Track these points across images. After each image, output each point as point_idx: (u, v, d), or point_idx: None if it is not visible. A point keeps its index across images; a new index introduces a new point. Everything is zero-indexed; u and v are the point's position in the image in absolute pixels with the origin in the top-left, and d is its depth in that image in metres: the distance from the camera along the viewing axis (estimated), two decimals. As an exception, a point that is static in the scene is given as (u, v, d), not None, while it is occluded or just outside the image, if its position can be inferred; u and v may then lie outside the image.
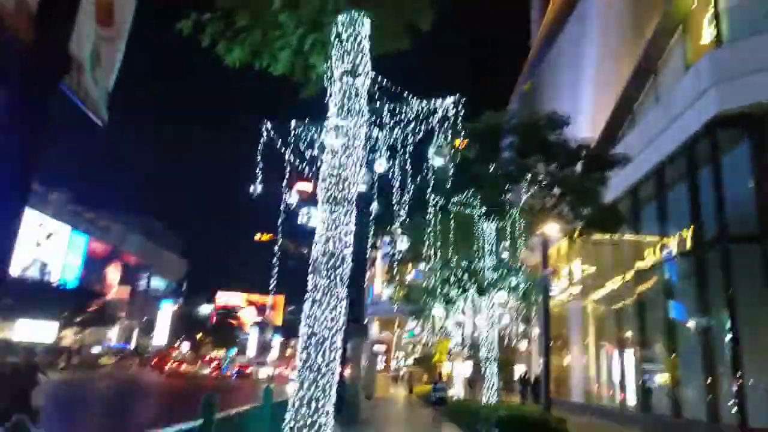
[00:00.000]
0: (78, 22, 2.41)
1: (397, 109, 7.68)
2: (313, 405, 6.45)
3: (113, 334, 74.30)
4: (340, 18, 7.40)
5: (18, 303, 38.20)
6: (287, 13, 7.15)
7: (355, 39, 7.57)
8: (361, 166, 7.87)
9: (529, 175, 13.13)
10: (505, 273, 14.49)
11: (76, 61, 2.57)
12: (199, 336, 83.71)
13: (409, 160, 7.95)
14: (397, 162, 8.12)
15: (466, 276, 14.56)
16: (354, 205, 7.47)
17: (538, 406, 15.76)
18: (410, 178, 8.14)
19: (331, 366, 6.74)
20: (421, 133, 7.74)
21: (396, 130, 7.77)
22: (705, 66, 15.06)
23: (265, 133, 7.95)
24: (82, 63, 2.73)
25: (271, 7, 6.99)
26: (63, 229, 64.66)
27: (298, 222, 7.80)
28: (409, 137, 7.84)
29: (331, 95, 7.40)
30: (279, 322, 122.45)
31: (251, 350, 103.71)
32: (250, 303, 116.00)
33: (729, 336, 13.40)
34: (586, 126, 21.81)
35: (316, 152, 7.90)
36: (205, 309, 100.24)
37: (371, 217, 8.52)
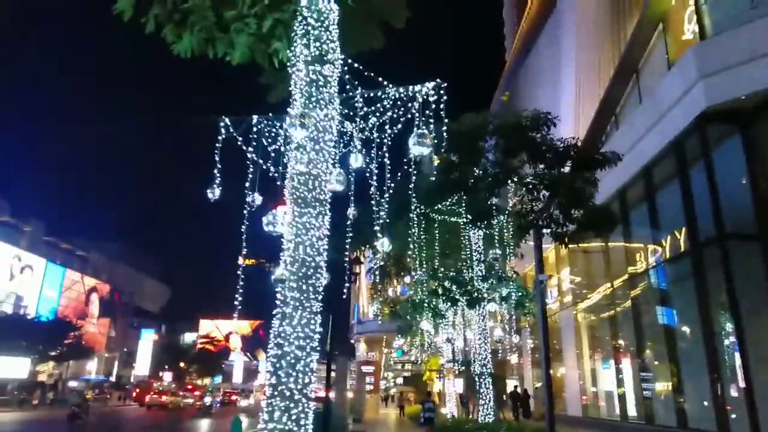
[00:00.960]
0: None
1: (373, 98, 6.88)
2: (285, 439, 5.51)
3: (93, 366, 71.91)
4: (303, -2, 6.62)
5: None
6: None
7: (322, 22, 6.79)
8: (334, 163, 7.05)
9: (516, 177, 12.40)
10: (495, 282, 13.66)
11: None
12: (182, 365, 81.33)
13: (387, 154, 7.12)
14: (374, 157, 7.29)
15: (454, 287, 13.69)
16: (327, 206, 6.62)
17: (539, 424, 14.85)
18: (390, 175, 7.30)
19: (306, 392, 5.79)
20: (400, 124, 6.94)
21: (371, 120, 6.96)
22: (690, 60, 14.58)
23: (223, 130, 7.07)
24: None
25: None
26: (38, 262, 62.99)
27: (264, 228, 6.88)
28: (387, 128, 7.03)
29: (296, 83, 6.59)
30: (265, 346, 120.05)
31: (237, 377, 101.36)
32: (232, 333, 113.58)
33: (732, 339, 12.72)
34: (567, 133, 21.31)
35: (282, 148, 7.04)
36: (188, 337, 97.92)
37: (348, 222, 7.68)
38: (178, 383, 70.22)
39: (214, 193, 7.16)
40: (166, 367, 78.95)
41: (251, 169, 7.14)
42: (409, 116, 6.76)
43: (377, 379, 46.19)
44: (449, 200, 12.40)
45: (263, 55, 6.87)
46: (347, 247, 8.11)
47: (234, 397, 63.84)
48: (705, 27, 14.97)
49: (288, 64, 6.66)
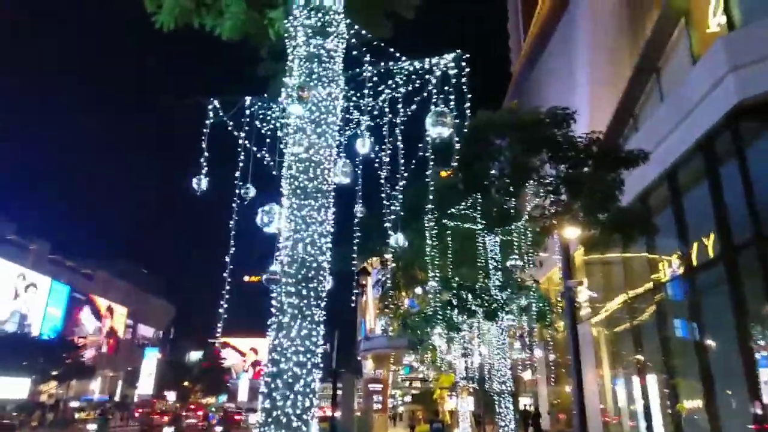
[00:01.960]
0: None
1: (383, 72, 5.95)
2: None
3: (96, 386, 70.79)
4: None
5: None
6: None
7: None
8: (339, 151, 6.11)
9: (536, 176, 11.45)
10: (515, 291, 12.63)
11: None
12: (186, 383, 79.96)
13: (400, 139, 6.16)
14: (385, 144, 6.34)
15: (470, 297, 12.66)
16: (330, 199, 5.66)
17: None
18: (403, 165, 6.34)
19: (306, 417, 4.77)
20: (414, 104, 5.99)
21: (381, 98, 6.02)
22: (718, 52, 13.67)
23: (211, 114, 6.14)
24: None
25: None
26: (43, 280, 62.52)
27: (257, 223, 5.91)
28: (399, 108, 6.08)
29: (294, 58, 5.69)
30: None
31: (242, 395, 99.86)
32: (238, 349, 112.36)
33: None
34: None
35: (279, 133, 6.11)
36: (193, 355, 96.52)
37: (355, 221, 6.73)
38: (182, 403, 68.79)
39: (201, 184, 6.24)
40: (170, 385, 77.53)
41: (242, 157, 6.23)
42: (425, 95, 5.85)
43: (386, 397, 44.77)
44: (464, 203, 11.45)
45: (257, 26, 5.99)
46: (354, 249, 7.16)
47: (237, 417, 59.55)
48: (733, 17, 14.10)
49: (285, 36, 5.78)
